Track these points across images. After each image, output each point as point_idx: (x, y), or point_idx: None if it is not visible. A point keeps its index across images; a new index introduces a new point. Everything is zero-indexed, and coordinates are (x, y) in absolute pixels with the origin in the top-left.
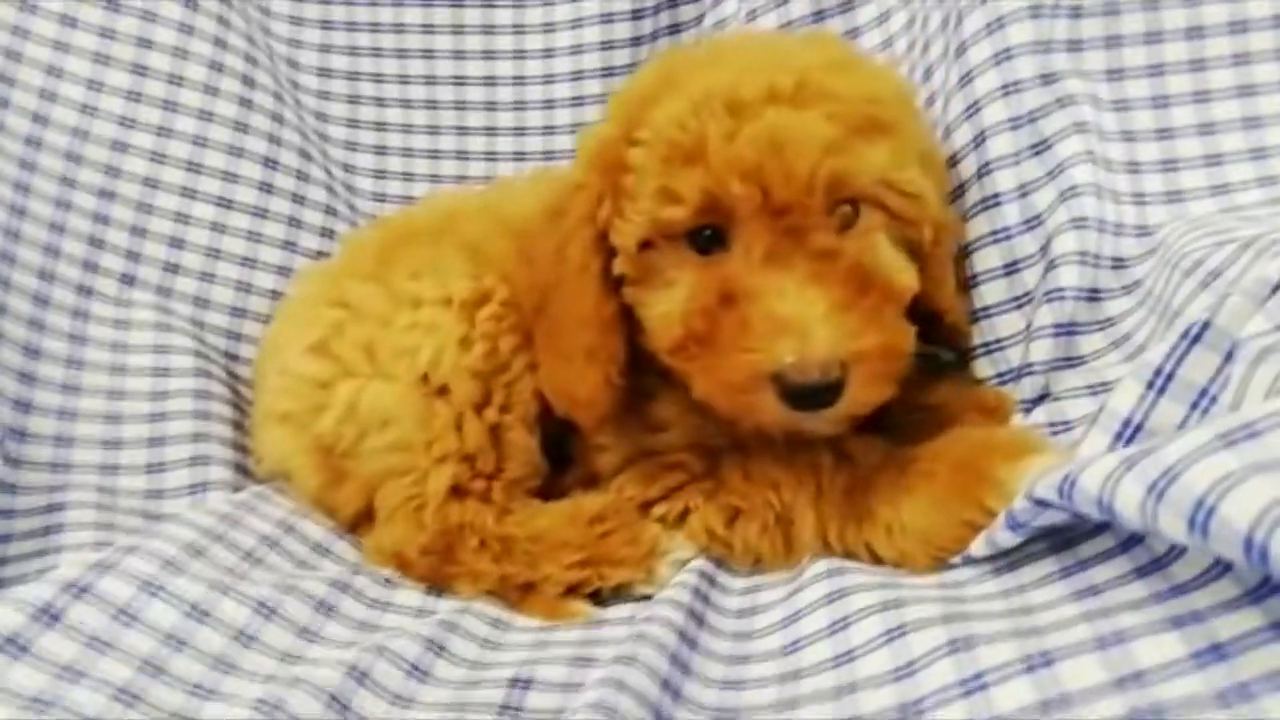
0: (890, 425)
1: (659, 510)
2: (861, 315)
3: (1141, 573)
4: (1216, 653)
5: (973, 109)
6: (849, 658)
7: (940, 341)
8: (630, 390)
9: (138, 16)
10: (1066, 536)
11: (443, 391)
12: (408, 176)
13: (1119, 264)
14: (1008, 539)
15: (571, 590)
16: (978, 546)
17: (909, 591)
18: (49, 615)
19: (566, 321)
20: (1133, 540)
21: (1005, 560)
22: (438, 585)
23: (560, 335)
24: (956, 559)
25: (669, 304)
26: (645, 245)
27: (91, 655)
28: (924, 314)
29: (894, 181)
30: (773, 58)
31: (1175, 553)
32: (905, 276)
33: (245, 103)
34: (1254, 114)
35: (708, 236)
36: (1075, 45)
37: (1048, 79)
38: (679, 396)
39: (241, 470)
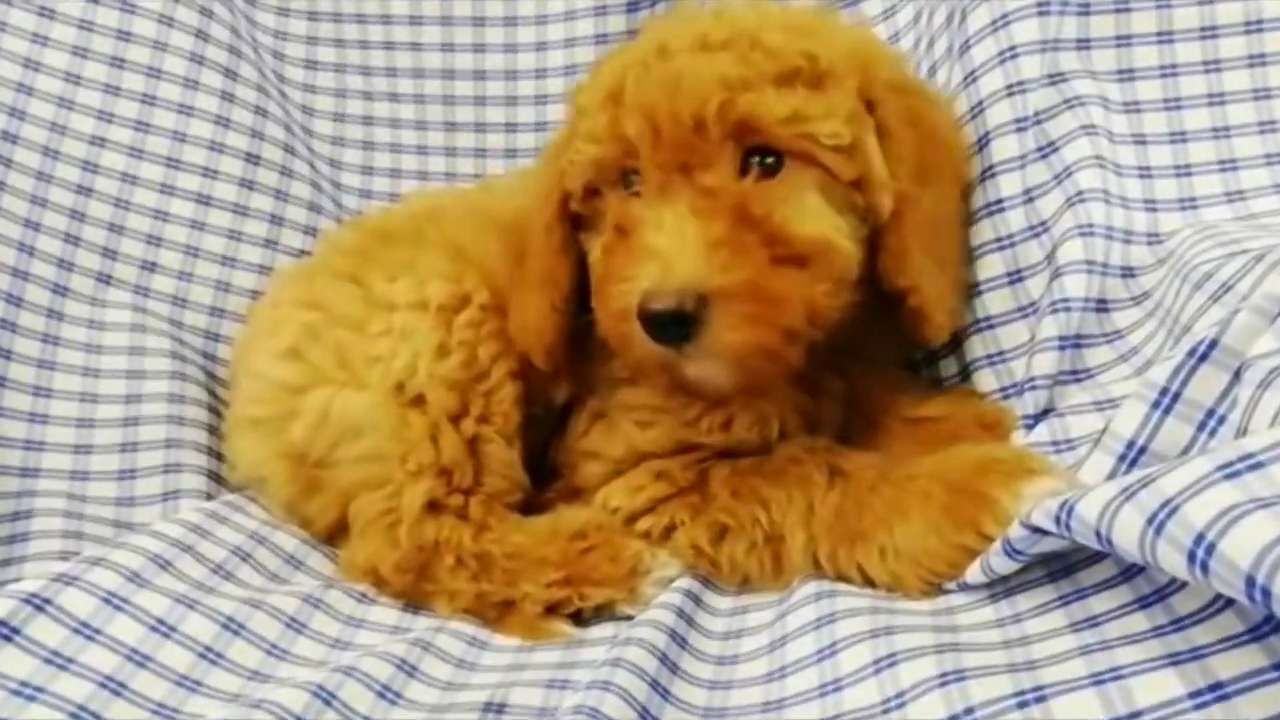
0: (886, 438)
1: (644, 524)
2: (735, 252)
3: (1143, 604)
4: (1216, 692)
5: (976, 109)
6: (835, 687)
7: (907, 331)
8: (613, 376)
9: (117, 8)
10: (1066, 563)
11: (418, 401)
12: (395, 173)
13: (1128, 273)
14: (1005, 566)
15: (551, 610)
16: (973, 573)
17: (901, 618)
18: (6, 629)
19: (529, 254)
20: (1135, 569)
21: (1002, 586)
22: (414, 602)
23: (525, 266)
24: (951, 584)
25: (596, 249)
26: (592, 192)
27: (49, 672)
28: (890, 296)
29: (813, 133)
30: (724, 14)
31: (1178, 584)
32: (813, 227)
33: (227, 96)
34: (1270, 118)
35: (631, 179)
36: (1084, 44)
37: (1055, 79)
38: (655, 388)
39: (215, 478)
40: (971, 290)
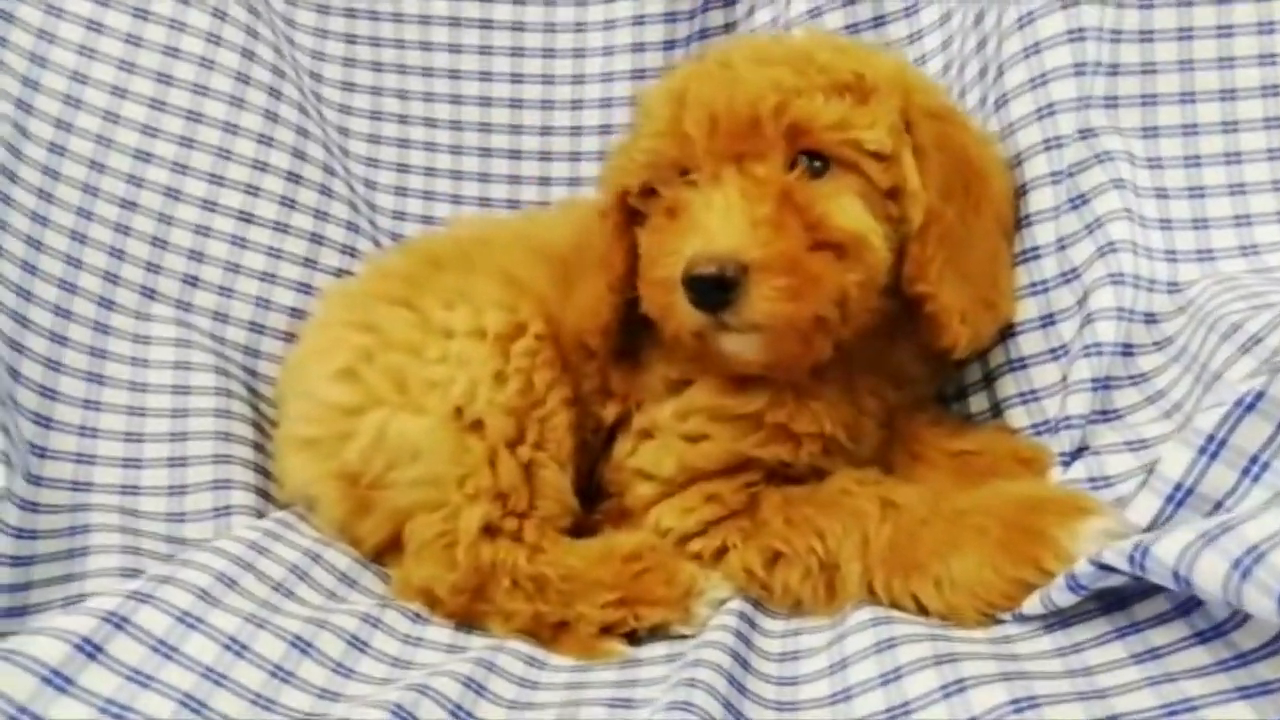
0: (926, 470)
1: (696, 545)
2: (776, 230)
3: (1202, 638)
4: None
5: (1015, 162)
6: (905, 711)
7: (927, 343)
8: (663, 389)
9: (165, 25)
10: (1119, 596)
11: (476, 427)
12: (429, 195)
13: (1150, 319)
14: (1066, 599)
15: (606, 630)
16: (1031, 605)
17: (962, 646)
18: (90, 646)
19: (589, 243)
20: (1190, 604)
21: (1057, 617)
22: (468, 623)
23: (585, 262)
24: (1006, 615)
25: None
26: (651, 191)
27: (133, 689)
28: (910, 303)
29: (860, 140)
30: (790, 38)
31: (1236, 620)
32: (851, 221)
33: (270, 116)
34: None
35: (683, 176)
36: (1112, 102)
37: (1085, 134)
38: (712, 385)
39: (262, 494)
40: (1006, 332)
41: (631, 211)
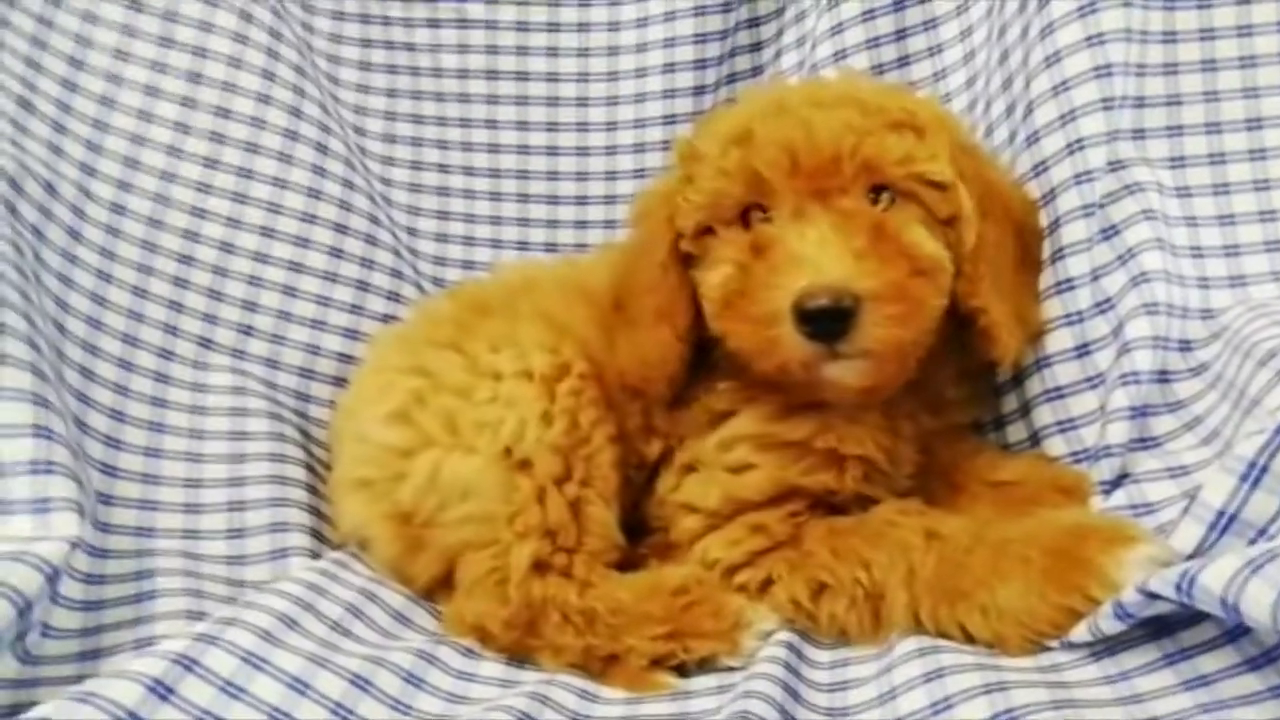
0: (968, 501)
1: (742, 577)
2: (878, 259)
3: (1253, 665)
4: None
5: (1048, 197)
6: None
7: (980, 357)
8: (709, 414)
9: (217, 87)
10: (1166, 623)
11: (525, 466)
12: (469, 240)
13: (1185, 347)
14: (1114, 627)
15: (656, 662)
16: (1079, 633)
17: (1011, 674)
18: (162, 688)
19: (640, 288)
20: (1238, 631)
21: (1104, 645)
22: (519, 657)
23: (634, 309)
24: (1053, 643)
25: (718, 273)
26: (706, 231)
27: None
28: (963, 319)
29: (924, 173)
30: (832, 83)
31: None
32: (934, 248)
33: (318, 170)
34: None
35: (753, 216)
36: (1139, 134)
37: (1115, 166)
38: (758, 414)
39: (317, 535)
40: (1042, 361)
41: (684, 256)
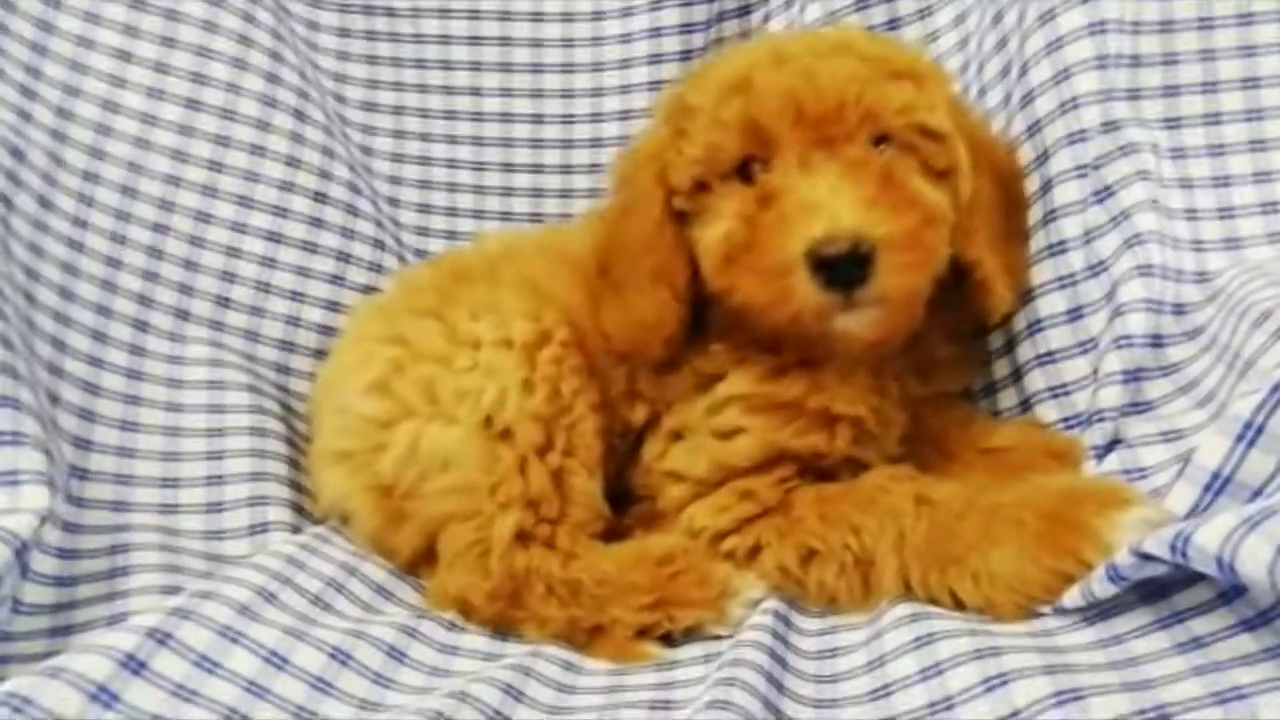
0: (960, 468)
1: (730, 544)
2: (889, 207)
3: (1248, 626)
4: None
5: (1041, 159)
6: (947, 705)
7: (973, 309)
8: (699, 376)
9: (192, 52)
10: (1159, 586)
11: (506, 435)
12: (452, 211)
13: (1179, 310)
14: (1107, 590)
15: (641, 633)
16: (1072, 597)
17: (1002, 639)
18: (135, 662)
19: (631, 250)
20: (1233, 592)
21: (1097, 609)
22: (503, 630)
23: (626, 271)
24: (1045, 608)
25: (717, 229)
26: (701, 187)
27: (177, 704)
28: (957, 271)
29: (922, 122)
30: (829, 34)
31: None
32: (938, 197)
33: (296, 138)
34: None
35: (749, 171)
36: (1135, 94)
37: (1109, 127)
38: (749, 375)
39: (297, 509)
40: (1034, 326)
41: (677, 213)
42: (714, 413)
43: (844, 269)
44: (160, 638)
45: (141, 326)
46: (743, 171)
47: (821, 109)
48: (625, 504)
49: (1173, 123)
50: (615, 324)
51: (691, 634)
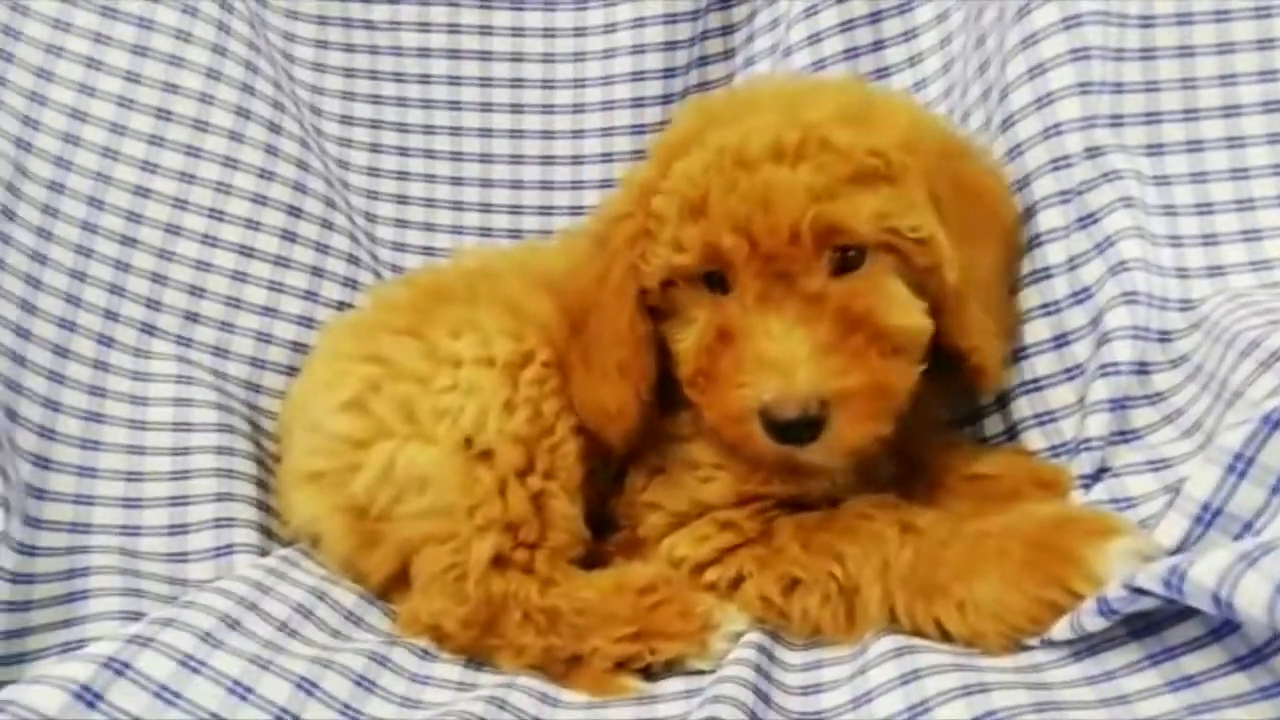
0: (946, 496)
1: (711, 575)
2: (847, 355)
3: (1241, 665)
4: None
5: (1022, 183)
6: None
7: (965, 383)
8: (672, 434)
9: (164, 61)
10: (1149, 620)
11: (486, 456)
12: (429, 226)
13: (1164, 337)
14: (1096, 624)
15: (620, 665)
16: (1060, 630)
17: (991, 675)
18: (90, 694)
19: (603, 339)
20: (1225, 628)
21: (1085, 644)
22: (477, 658)
23: (596, 352)
24: (1033, 640)
25: (687, 339)
26: (669, 284)
27: None
28: (950, 354)
29: (898, 228)
30: (787, 111)
31: (1277, 644)
32: (906, 317)
33: (270, 150)
34: None
35: (716, 279)
36: (1117, 120)
37: (1092, 153)
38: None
39: (265, 531)
40: (1019, 353)
41: (649, 307)
42: (690, 466)
43: (795, 431)
44: (118, 667)
45: (106, 341)
46: (710, 279)
47: (775, 241)
48: (607, 531)
49: (1155, 149)
50: (579, 400)
51: (673, 667)
